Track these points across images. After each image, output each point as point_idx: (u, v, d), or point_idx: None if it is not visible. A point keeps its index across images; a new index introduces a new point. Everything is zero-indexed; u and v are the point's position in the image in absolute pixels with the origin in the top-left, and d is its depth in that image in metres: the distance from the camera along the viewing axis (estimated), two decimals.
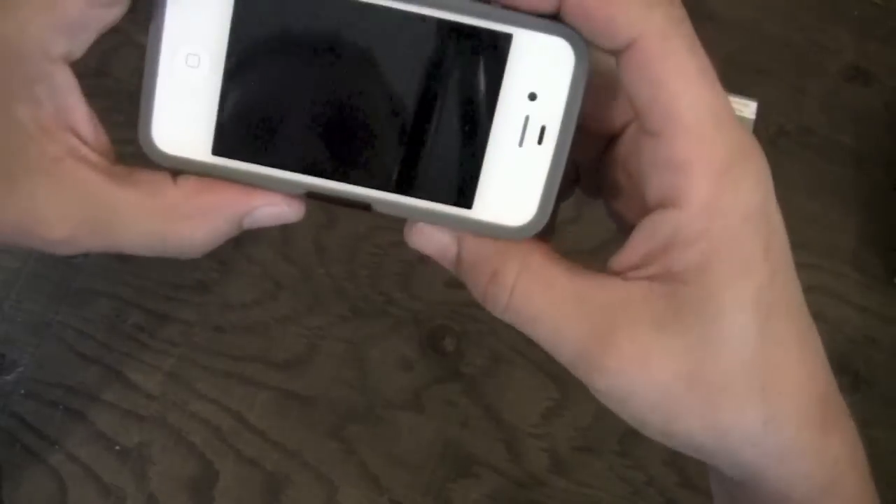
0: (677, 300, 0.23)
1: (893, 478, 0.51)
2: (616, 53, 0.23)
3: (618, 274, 0.24)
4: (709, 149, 0.23)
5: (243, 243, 0.54)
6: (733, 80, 0.59)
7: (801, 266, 0.60)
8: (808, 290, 0.61)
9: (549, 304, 0.24)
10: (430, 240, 0.25)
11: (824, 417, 0.25)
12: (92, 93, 0.64)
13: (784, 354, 0.24)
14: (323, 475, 0.49)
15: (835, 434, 0.25)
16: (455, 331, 0.52)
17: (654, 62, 0.22)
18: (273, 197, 0.25)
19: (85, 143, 0.25)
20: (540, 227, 0.24)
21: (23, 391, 0.50)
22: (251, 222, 0.25)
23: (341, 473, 0.49)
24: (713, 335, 0.23)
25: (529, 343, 0.45)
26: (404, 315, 0.53)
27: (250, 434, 0.50)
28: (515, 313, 0.25)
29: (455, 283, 0.60)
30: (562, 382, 0.52)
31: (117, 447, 0.49)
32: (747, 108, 0.58)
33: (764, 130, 0.57)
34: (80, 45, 0.24)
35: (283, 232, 0.54)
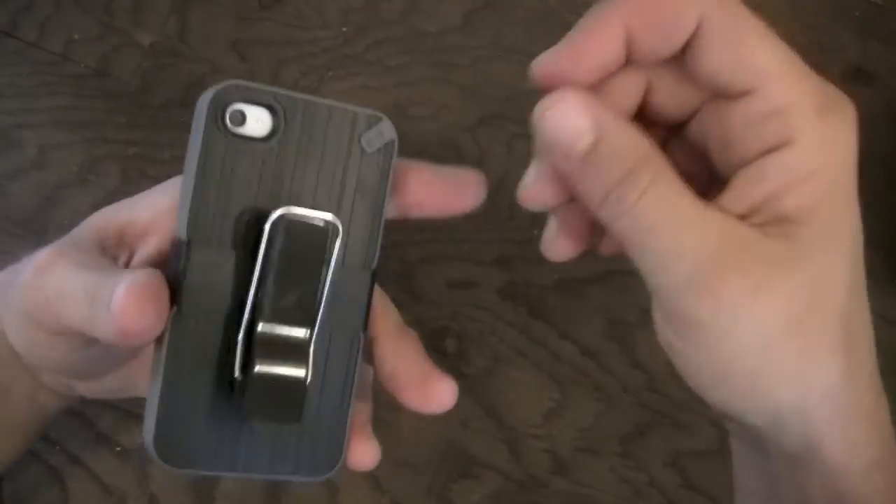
0: (792, 240, 0.23)
1: None
2: (687, 44, 0.24)
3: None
4: (804, 93, 0.24)
5: None
6: None
7: None
8: None
9: (674, 215, 0.23)
10: (565, 123, 0.23)
11: (878, 385, 0.26)
12: (93, 94, 0.64)
13: (861, 311, 0.25)
14: None
15: (883, 405, 0.26)
16: (456, 332, 0.52)
17: (727, 29, 0.24)
18: None
19: None
20: None
21: None
22: None
23: (342, 474, 0.49)
24: (822, 279, 0.24)
25: (531, 344, 0.45)
26: (406, 316, 0.53)
27: None
28: (637, 217, 0.23)
29: (457, 284, 0.60)
30: (563, 383, 0.52)
31: (118, 448, 0.49)
32: None
33: None
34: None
35: None
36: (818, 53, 0.60)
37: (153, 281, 0.26)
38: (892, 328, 0.52)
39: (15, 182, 0.55)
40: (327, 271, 0.28)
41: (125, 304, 0.25)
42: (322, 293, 0.28)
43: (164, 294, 0.26)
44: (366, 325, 0.30)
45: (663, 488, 0.50)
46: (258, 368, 0.26)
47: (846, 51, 0.60)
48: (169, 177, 0.35)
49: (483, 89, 0.58)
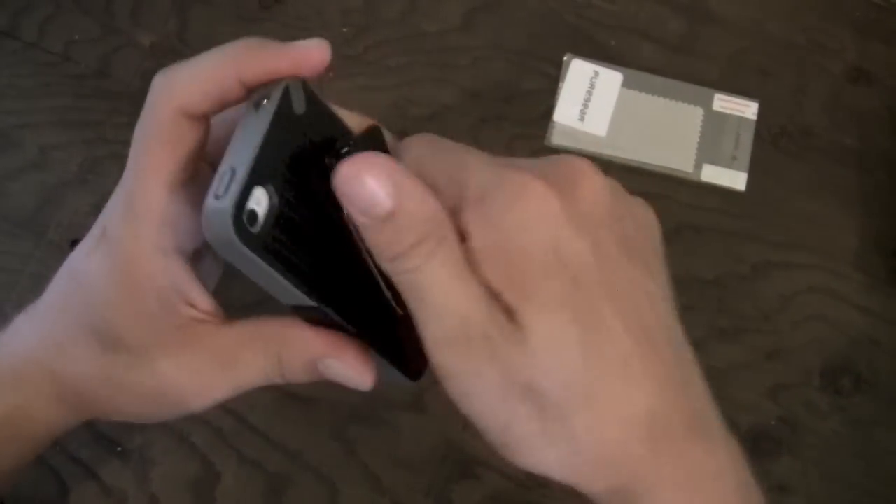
0: (516, 325, 0.26)
1: (894, 478, 0.51)
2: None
3: None
4: None
5: None
6: (735, 80, 0.58)
7: (802, 267, 0.60)
8: (810, 290, 0.60)
9: (447, 282, 0.26)
10: (365, 191, 0.25)
11: (653, 435, 0.26)
12: (93, 94, 0.64)
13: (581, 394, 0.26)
14: (324, 476, 0.49)
15: (668, 454, 0.26)
16: None
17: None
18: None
19: (202, 310, 0.32)
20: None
21: None
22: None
23: (343, 474, 0.49)
24: (543, 355, 0.26)
25: None
26: None
27: (252, 435, 0.50)
28: (417, 278, 0.26)
29: None
30: None
31: (119, 448, 0.49)
32: (748, 109, 0.58)
33: (766, 131, 0.57)
34: (187, 242, 0.31)
35: None
36: (818, 54, 0.60)
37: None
38: (892, 328, 0.52)
39: (15, 182, 0.55)
40: None
41: None
42: None
43: None
44: None
45: None
46: None
47: (846, 51, 0.60)
48: None
49: (483, 89, 0.58)
